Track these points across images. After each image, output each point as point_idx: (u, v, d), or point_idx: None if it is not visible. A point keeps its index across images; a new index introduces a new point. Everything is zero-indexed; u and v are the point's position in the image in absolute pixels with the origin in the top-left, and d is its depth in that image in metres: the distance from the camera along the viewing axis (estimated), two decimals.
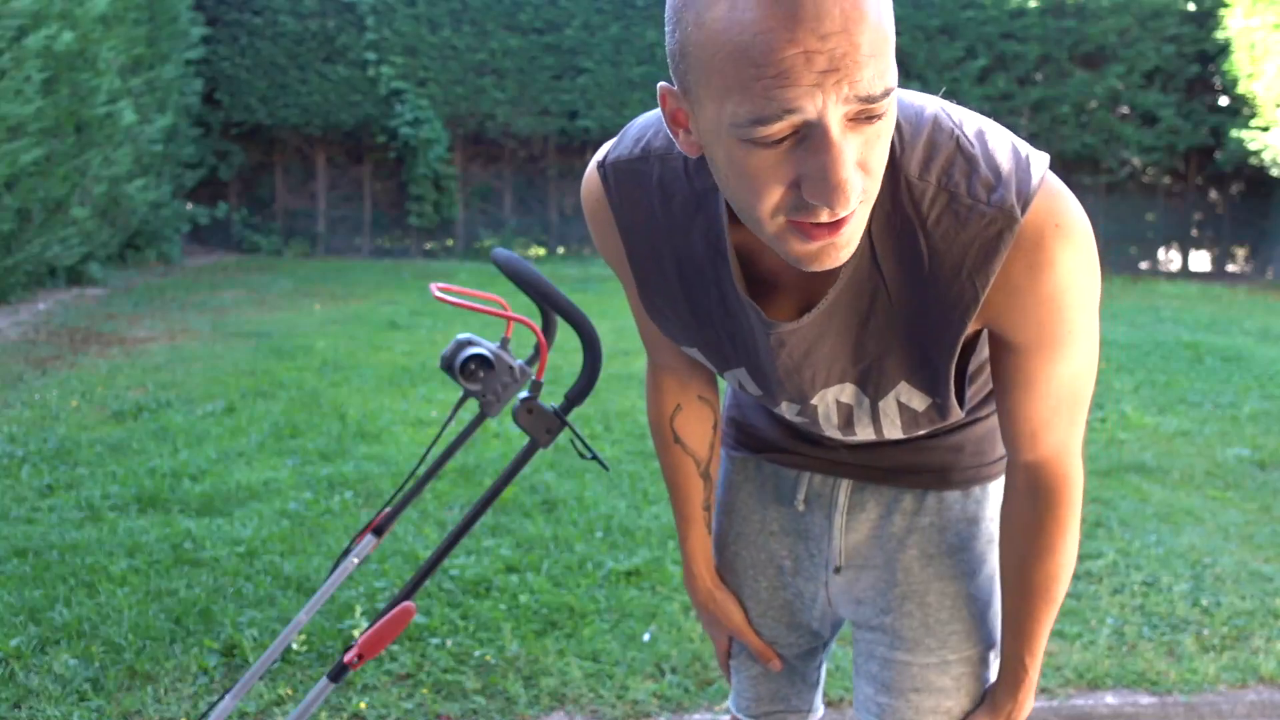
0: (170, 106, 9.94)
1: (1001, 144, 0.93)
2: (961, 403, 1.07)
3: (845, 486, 1.23)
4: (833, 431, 1.13)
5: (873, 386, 1.05)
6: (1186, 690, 2.59)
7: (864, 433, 1.12)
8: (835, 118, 0.76)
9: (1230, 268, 12.91)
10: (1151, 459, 4.47)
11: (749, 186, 0.83)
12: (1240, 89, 11.35)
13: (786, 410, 1.13)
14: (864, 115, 0.78)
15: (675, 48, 0.81)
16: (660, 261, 1.06)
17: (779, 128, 0.77)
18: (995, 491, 1.24)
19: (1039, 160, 0.93)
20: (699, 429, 1.28)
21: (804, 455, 1.25)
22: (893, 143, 0.91)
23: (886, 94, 0.77)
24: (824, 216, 0.81)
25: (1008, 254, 0.91)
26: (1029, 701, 1.21)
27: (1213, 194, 12.84)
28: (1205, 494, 4.06)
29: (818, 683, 1.39)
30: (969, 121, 0.95)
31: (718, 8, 0.76)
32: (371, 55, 11.46)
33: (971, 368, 1.09)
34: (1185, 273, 12.79)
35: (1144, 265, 12.74)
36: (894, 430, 1.10)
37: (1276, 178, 11.78)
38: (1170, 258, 12.98)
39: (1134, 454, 4.54)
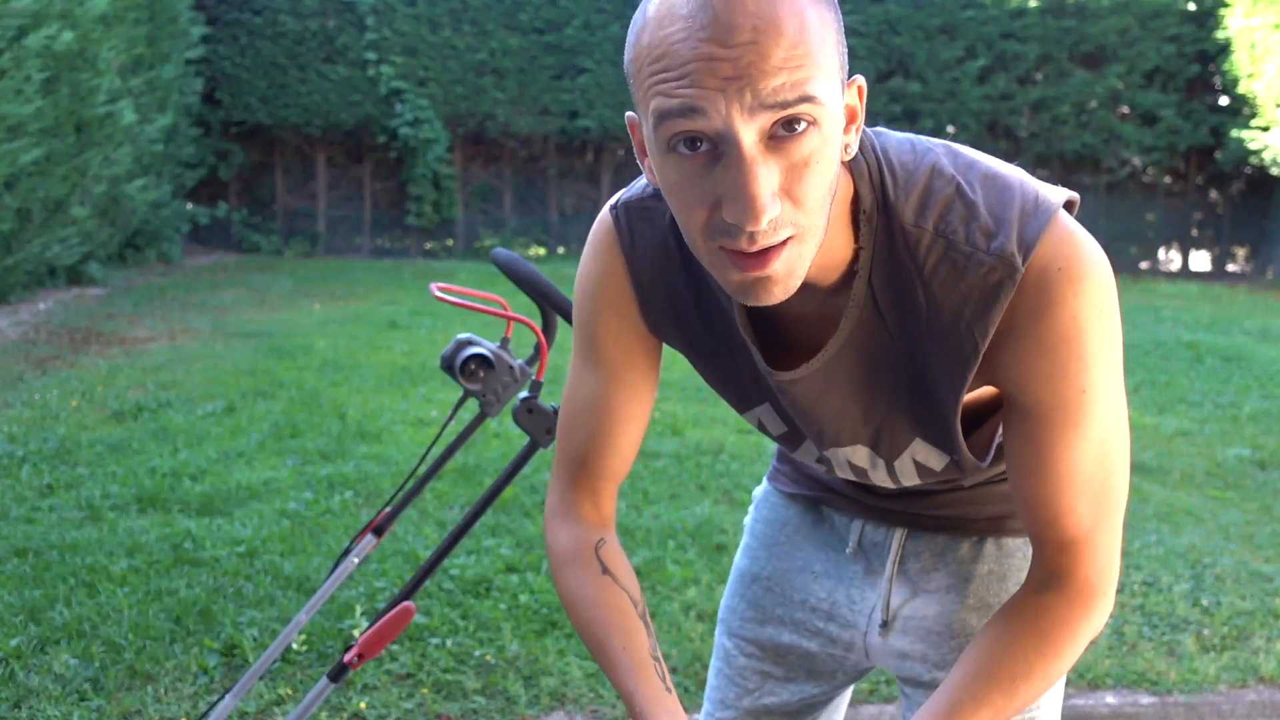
0: (170, 106, 9.94)
1: (1009, 188, 0.89)
2: (983, 457, 1.03)
3: (899, 535, 1.19)
4: (847, 475, 1.11)
5: (885, 447, 1.03)
6: (1186, 690, 2.59)
7: (881, 484, 1.10)
8: (746, 132, 0.77)
9: (1230, 267, 12.92)
10: (1151, 459, 4.47)
11: (677, 204, 0.83)
12: (1240, 89, 11.36)
13: (805, 456, 1.11)
14: (782, 124, 0.78)
15: (628, 69, 0.84)
16: (675, 301, 1.04)
17: (685, 125, 0.78)
18: None
19: (1050, 203, 0.88)
20: (626, 566, 1.10)
21: (858, 502, 1.21)
22: (885, 188, 0.90)
23: (802, 101, 0.77)
24: (744, 243, 0.80)
25: (1009, 303, 0.87)
26: None
27: (1213, 194, 12.85)
28: (1205, 494, 4.06)
29: None
30: (978, 166, 0.91)
31: (648, 31, 0.80)
32: (371, 55, 11.47)
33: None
34: (1185, 272, 12.80)
35: (1144, 265, 12.75)
36: (912, 483, 1.08)
37: (1276, 177, 11.79)
38: (1170, 257, 12.99)
39: (1134, 454, 4.54)
